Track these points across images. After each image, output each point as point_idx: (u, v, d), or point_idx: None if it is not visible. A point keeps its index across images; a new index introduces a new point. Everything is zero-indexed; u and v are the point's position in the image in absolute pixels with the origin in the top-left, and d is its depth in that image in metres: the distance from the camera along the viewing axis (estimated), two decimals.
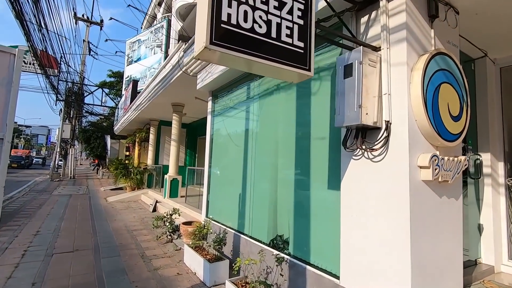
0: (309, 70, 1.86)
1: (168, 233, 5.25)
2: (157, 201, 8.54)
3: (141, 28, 18.04)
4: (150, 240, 5.41)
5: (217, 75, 4.54)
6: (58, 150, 17.78)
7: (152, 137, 12.30)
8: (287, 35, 1.78)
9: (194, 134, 13.31)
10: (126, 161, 17.62)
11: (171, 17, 13.16)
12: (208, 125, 5.47)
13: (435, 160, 2.02)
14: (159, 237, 5.30)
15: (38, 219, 6.84)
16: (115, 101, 21.44)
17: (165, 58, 12.97)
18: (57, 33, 15.82)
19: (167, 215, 5.31)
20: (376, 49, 2.25)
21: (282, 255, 3.05)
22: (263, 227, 3.64)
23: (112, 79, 24.79)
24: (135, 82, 12.29)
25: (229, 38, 1.55)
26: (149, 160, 12.22)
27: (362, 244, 2.24)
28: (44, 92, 15.37)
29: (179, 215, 5.31)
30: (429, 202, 2.11)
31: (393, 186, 2.06)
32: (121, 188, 13.28)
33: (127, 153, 17.39)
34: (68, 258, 4.33)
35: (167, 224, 5.23)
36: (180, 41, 6.05)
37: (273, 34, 1.72)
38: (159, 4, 16.17)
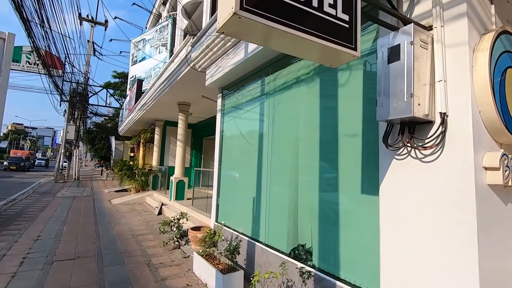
0: (355, 49, 1.52)
1: (175, 238, 4.93)
2: (162, 203, 8.24)
3: (146, 28, 17.84)
4: (156, 246, 5.09)
5: (229, 69, 4.22)
6: (62, 151, 17.61)
7: (157, 137, 12.02)
8: (330, 5, 1.44)
9: (200, 134, 13.01)
10: (131, 162, 17.41)
11: (176, 15, 12.91)
12: (217, 124, 5.14)
13: (505, 159, 1.66)
14: (166, 243, 4.98)
15: (40, 223, 6.56)
16: (119, 102, 21.29)
17: (170, 56, 12.72)
18: (61, 33, 15.66)
19: (174, 219, 4.99)
20: (427, 28, 1.89)
21: (308, 268, 2.70)
22: (281, 235, 3.30)
23: (117, 80, 24.66)
24: (140, 82, 12.03)
25: (263, 4, 1.22)
26: (154, 161, 11.95)
27: (410, 260, 1.88)
28: (47, 93, 15.19)
29: (187, 220, 4.98)
30: (496, 211, 1.75)
31: (452, 192, 1.70)
32: (125, 190, 13.03)
33: (132, 154, 17.14)
34: (69, 267, 4.02)
35: (174, 229, 4.90)
36: (188, 35, 5.74)
37: (314, 3, 1.38)
38: (164, 4, 15.96)
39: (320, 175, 2.87)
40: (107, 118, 21.73)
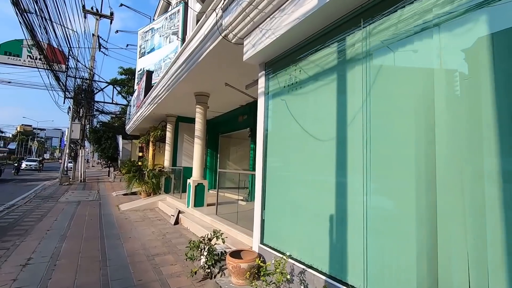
0: None
1: (206, 265, 3.67)
2: (179, 211, 7.01)
3: (153, 19, 16.66)
4: (180, 274, 3.85)
5: (284, 31, 2.94)
6: (67, 151, 16.58)
7: (169, 135, 10.82)
8: None
9: (215, 131, 11.77)
10: (139, 163, 16.30)
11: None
12: (260, 112, 3.87)
13: None
14: (194, 273, 3.72)
15: (35, 238, 5.39)
16: (127, 99, 20.20)
17: (182, 45, 11.49)
18: (63, 25, 14.54)
19: (204, 239, 3.73)
20: None
21: None
22: (398, 281, 2.01)
23: (123, 77, 23.59)
24: (150, 73, 10.84)
25: None
26: (166, 162, 10.75)
27: None
28: (48, 89, 14.17)
29: (224, 242, 3.70)
30: None
31: None
32: (134, 193, 11.89)
33: (141, 154, 16.03)
34: None
35: (205, 253, 3.65)
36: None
37: None
38: None
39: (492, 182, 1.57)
40: (114, 116, 20.66)
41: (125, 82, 22.65)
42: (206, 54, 4.97)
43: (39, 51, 12.11)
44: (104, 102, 18.08)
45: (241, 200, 8.26)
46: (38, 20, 10.29)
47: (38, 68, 14.25)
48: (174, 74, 6.76)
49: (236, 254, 3.50)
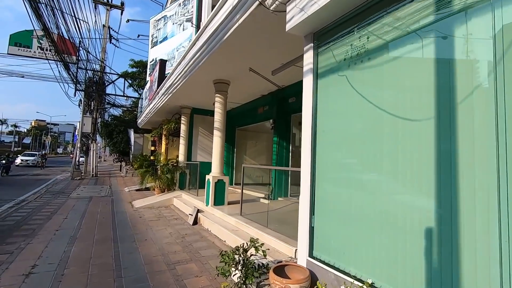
0: None
1: (241, 281, 3.00)
2: (198, 210, 6.39)
3: (166, 7, 16.00)
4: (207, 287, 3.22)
5: None
6: (78, 145, 16.24)
7: (183, 128, 10.21)
8: None
9: (231, 124, 11.08)
10: (152, 157, 15.83)
11: None
12: (306, 95, 3.15)
13: None
14: None
15: (42, 239, 4.86)
16: (139, 92, 19.73)
17: (197, 32, 10.81)
18: (74, 16, 14.03)
19: (238, 249, 3.06)
20: None
21: None
22: None
23: (134, 70, 23.12)
24: (163, 62, 10.22)
25: None
26: (181, 156, 10.16)
27: None
28: (59, 82, 13.79)
29: (265, 254, 3.00)
30: None
31: None
32: (147, 189, 11.38)
33: (153, 148, 15.54)
34: None
35: (240, 267, 2.97)
36: None
37: None
38: None
39: None
40: (126, 109, 20.23)
41: (136, 75, 22.17)
42: (233, 30, 4.25)
43: (49, 41, 11.62)
44: (116, 95, 17.65)
45: (263, 198, 7.59)
46: (47, 9, 9.79)
47: (49, 59, 13.85)
48: (192, 59, 6.08)
49: (280, 270, 2.82)
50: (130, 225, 6.12)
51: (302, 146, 3.13)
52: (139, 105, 16.54)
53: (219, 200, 6.58)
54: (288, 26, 3.09)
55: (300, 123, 7.64)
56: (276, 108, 7.60)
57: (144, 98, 14.43)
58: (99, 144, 20.24)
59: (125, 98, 19.86)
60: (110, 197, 9.91)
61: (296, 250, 3.48)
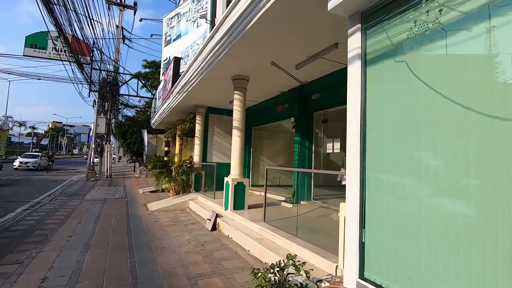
0: None
1: None
2: (217, 214, 5.99)
3: (179, 4, 15.76)
4: None
5: None
6: (93, 146, 16.20)
7: (198, 127, 9.87)
8: None
9: (247, 123, 10.61)
10: (165, 158, 15.62)
11: None
12: (352, 85, 2.68)
13: None
14: None
15: (54, 247, 4.56)
16: (152, 92, 19.60)
17: (212, 29, 10.45)
18: (88, 16, 13.97)
19: (272, 267, 2.61)
20: None
21: None
22: None
23: (147, 70, 23.08)
24: (177, 60, 9.90)
25: None
26: (196, 157, 9.82)
27: None
28: (74, 83, 13.76)
29: (308, 276, 2.54)
30: None
31: None
32: (162, 190, 11.11)
33: (167, 149, 15.32)
34: None
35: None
36: None
37: None
38: None
39: None
40: (139, 110, 20.15)
41: (149, 75, 22.11)
42: (259, 17, 3.83)
43: (64, 42, 11.55)
44: (129, 95, 17.56)
45: (284, 201, 7.13)
46: (60, 10, 9.68)
47: (63, 60, 13.84)
48: (210, 54, 5.69)
49: None
50: (146, 230, 5.78)
51: (347, 146, 2.65)
52: (153, 105, 16.38)
53: (239, 204, 6.16)
54: (331, 5, 2.63)
55: (324, 121, 7.16)
56: (298, 106, 7.12)
57: (157, 98, 14.22)
58: (113, 145, 20.24)
59: (138, 99, 19.82)
60: (125, 199, 9.67)
61: (337, 266, 3.01)
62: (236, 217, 5.75)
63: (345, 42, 4.60)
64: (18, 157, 22.06)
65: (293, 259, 2.52)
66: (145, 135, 19.35)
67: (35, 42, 14.95)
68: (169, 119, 13.41)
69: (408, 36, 2.21)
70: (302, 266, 2.47)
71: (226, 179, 6.40)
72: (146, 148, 19.37)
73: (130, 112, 21.64)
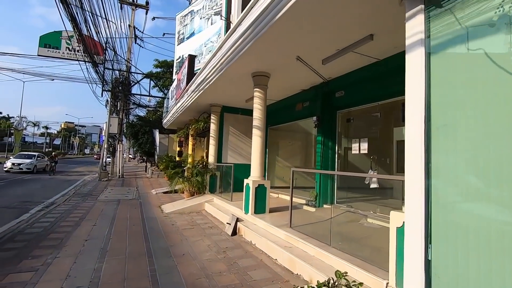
0: None
1: None
2: (238, 218, 5.68)
3: (192, 2, 15.56)
4: None
5: None
6: (105, 146, 16.15)
7: (213, 127, 9.59)
8: None
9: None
10: (178, 158, 15.44)
11: None
12: (412, 77, 2.31)
13: None
14: None
15: (70, 252, 4.32)
16: (164, 92, 19.49)
17: (227, 25, 10.17)
18: (103, 17, 13.93)
19: (321, 286, 2.27)
20: None
21: None
22: None
23: (159, 70, 23.01)
24: (192, 57, 9.65)
25: None
26: (211, 157, 9.54)
27: None
28: (88, 82, 13.72)
29: None
30: None
31: None
32: (175, 191, 10.88)
33: (180, 149, 15.13)
34: None
35: None
36: None
37: None
38: None
39: None
40: (151, 109, 20.07)
41: (160, 75, 22.02)
42: (288, 8, 3.49)
43: (81, 42, 11.50)
44: (141, 95, 17.48)
45: (306, 204, 6.77)
46: (76, 10, 9.63)
47: (78, 60, 13.83)
48: (231, 49, 5.38)
49: None
50: (163, 235, 5.51)
51: (406, 147, 2.29)
52: (165, 105, 16.23)
53: (260, 207, 5.84)
54: None
55: (348, 120, 6.75)
56: (321, 104, 6.75)
57: (170, 97, 14.03)
58: (124, 145, 20.22)
59: (148, 99, 19.74)
60: (138, 200, 9.47)
61: (388, 284, 2.64)
62: (258, 222, 5.42)
63: (382, 34, 4.26)
64: (11, 157, 18.81)
65: (346, 277, 2.17)
66: (157, 135, 19.26)
67: (49, 42, 14.99)
68: (182, 119, 13.19)
69: (487, 17, 1.84)
70: (360, 287, 2.12)
71: (246, 181, 6.08)
72: (157, 148, 19.28)
73: (141, 112, 21.64)
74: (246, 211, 5.89)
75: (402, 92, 4.84)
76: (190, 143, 12.94)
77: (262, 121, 6.14)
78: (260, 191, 5.86)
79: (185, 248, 4.74)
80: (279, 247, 4.13)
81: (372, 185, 5.72)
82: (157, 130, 19.15)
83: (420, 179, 2.16)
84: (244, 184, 6.09)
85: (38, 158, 18.05)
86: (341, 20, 3.90)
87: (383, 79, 5.26)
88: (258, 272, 3.80)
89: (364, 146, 5.93)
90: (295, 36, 4.42)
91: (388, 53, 4.92)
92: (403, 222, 2.53)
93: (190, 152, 12.90)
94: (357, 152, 6.11)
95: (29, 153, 19.35)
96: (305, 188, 10.48)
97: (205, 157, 11.57)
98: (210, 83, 7.03)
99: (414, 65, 2.27)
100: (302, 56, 5.20)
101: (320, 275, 3.17)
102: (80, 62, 13.00)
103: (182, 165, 12.61)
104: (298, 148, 11.10)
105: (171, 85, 21.01)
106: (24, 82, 35.32)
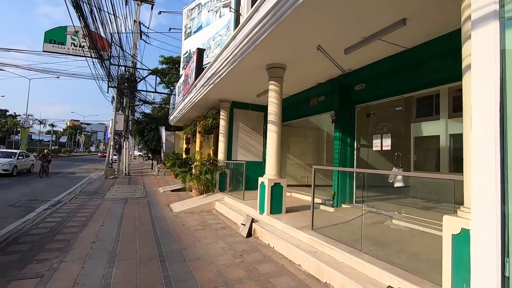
0: None
1: None
2: (253, 219, 5.36)
3: None
4: None
5: None
6: (111, 143, 15.94)
7: (223, 123, 9.26)
8: None
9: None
10: (185, 155, 15.18)
11: None
12: (479, 59, 1.94)
13: None
14: None
15: (78, 255, 4.04)
16: (170, 88, 19.18)
17: (236, 18, 9.81)
18: (109, 12, 13.66)
19: None
20: None
21: None
22: None
23: (164, 66, 22.71)
24: (201, 51, 9.31)
25: None
26: (221, 154, 9.22)
27: None
28: (94, 78, 13.50)
29: None
30: None
31: None
32: (183, 190, 10.62)
33: (187, 146, 14.85)
34: None
35: None
36: None
37: None
38: None
39: None
40: (157, 106, 19.79)
41: (166, 71, 21.73)
42: None
43: (88, 36, 11.25)
44: (146, 91, 17.22)
45: (323, 204, 6.43)
46: (83, 4, 9.40)
47: (85, 56, 13.59)
48: (246, 39, 5.03)
49: None
50: (175, 236, 5.21)
51: (473, 142, 1.93)
52: (171, 102, 15.95)
53: (276, 207, 5.51)
54: None
55: (368, 115, 6.37)
56: (339, 98, 6.37)
57: (177, 93, 13.74)
58: (130, 142, 20.02)
59: (152, 97, 19.46)
60: (146, 199, 9.21)
61: None
62: (275, 223, 5.09)
63: (416, 18, 3.87)
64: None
65: None
66: (163, 132, 19.01)
67: (54, 37, 14.77)
68: (189, 115, 12.89)
69: None
70: None
71: (260, 179, 5.75)
72: (164, 145, 19.04)
73: (147, 109, 21.41)
74: (262, 211, 5.57)
75: (433, 83, 4.43)
76: (198, 140, 12.64)
77: (278, 116, 5.80)
78: (276, 190, 5.53)
79: (198, 251, 4.43)
80: (303, 252, 3.80)
81: (397, 184, 5.35)
82: (163, 127, 18.90)
83: (493, 182, 1.80)
84: (259, 183, 5.77)
85: (19, 157, 14.74)
86: (369, 3, 3.53)
87: (411, 70, 4.87)
88: (282, 279, 3.47)
89: (387, 142, 5.56)
90: (319, 22, 4.05)
91: (419, 40, 4.53)
92: (461, 228, 2.18)
93: (197, 149, 12.62)
94: (379, 148, 5.74)
95: (9, 150, 16.38)
96: (317, 186, 10.12)
97: (211, 154, 11.28)
98: (222, 76, 6.69)
99: (483, 43, 1.90)
100: (323, 45, 4.82)
101: (355, 285, 2.83)
102: (87, 58, 12.75)
103: (190, 162, 12.32)
104: (309, 145, 10.75)
105: (177, 81, 20.72)
106: (30, 79, 35.30)
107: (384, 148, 5.62)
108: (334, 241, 3.81)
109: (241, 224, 5.53)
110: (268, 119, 5.87)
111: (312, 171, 4.74)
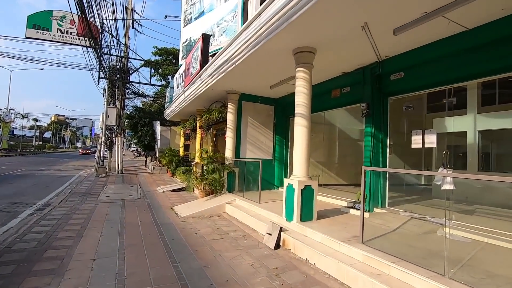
0: None
1: None
2: (281, 228, 4.60)
3: None
4: None
5: None
6: (102, 139, 14.83)
7: (231, 117, 8.43)
8: None
9: (284, 113, 9.24)
10: (183, 152, 14.26)
11: None
12: None
13: None
14: None
15: (75, 281, 3.19)
16: (167, 81, 18.09)
17: (244, 2, 8.94)
18: None
19: None
20: None
21: None
22: None
23: (158, 58, 21.51)
24: (207, 37, 8.40)
25: None
26: (228, 151, 8.40)
27: None
28: (89, 68, 12.37)
29: None
30: None
31: None
32: (184, 189, 9.78)
33: (184, 142, 13.92)
34: None
35: None
36: None
37: None
38: None
39: None
40: (152, 99, 18.68)
41: (160, 63, 20.55)
42: None
43: (85, 22, 10.15)
44: (140, 83, 16.10)
45: (352, 208, 5.75)
46: None
47: (75, 44, 12.40)
48: (274, 17, 4.23)
49: None
50: (190, 249, 4.40)
51: None
52: (167, 95, 14.93)
53: (306, 214, 4.77)
54: None
55: (408, 108, 5.68)
56: (371, 88, 5.65)
57: (175, 85, 12.75)
58: (122, 137, 18.90)
59: (151, 86, 18.32)
60: (145, 200, 8.33)
61: None
62: (309, 233, 4.35)
63: None
64: None
65: None
66: (158, 127, 17.95)
67: (38, 22, 13.42)
68: (189, 109, 11.97)
69: None
70: None
71: (287, 181, 5.00)
72: (158, 141, 17.99)
73: (139, 103, 20.23)
74: (289, 219, 4.82)
75: (500, 70, 3.72)
76: (198, 136, 11.76)
77: (308, 108, 5.03)
78: (307, 193, 4.79)
79: (224, 270, 3.66)
80: (361, 274, 3.07)
81: (445, 186, 4.69)
82: (158, 122, 17.85)
83: None
84: (285, 185, 5.01)
85: None
86: None
87: (470, 54, 4.19)
88: None
89: (431, 139, 4.89)
90: None
91: (484, 19, 3.84)
92: None
93: (198, 145, 11.74)
94: (419, 146, 5.07)
95: None
96: (333, 185, 9.49)
97: (210, 151, 10.42)
98: (237, 63, 5.85)
99: None
100: (370, 23, 4.07)
101: None
102: (78, 46, 11.59)
103: (189, 159, 11.44)
104: (322, 141, 10.07)
105: (171, 74, 19.61)
106: (11, 71, 33.21)
107: (427, 145, 4.96)
108: (398, 260, 3.10)
109: (267, 233, 4.76)
110: (296, 111, 5.10)
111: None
